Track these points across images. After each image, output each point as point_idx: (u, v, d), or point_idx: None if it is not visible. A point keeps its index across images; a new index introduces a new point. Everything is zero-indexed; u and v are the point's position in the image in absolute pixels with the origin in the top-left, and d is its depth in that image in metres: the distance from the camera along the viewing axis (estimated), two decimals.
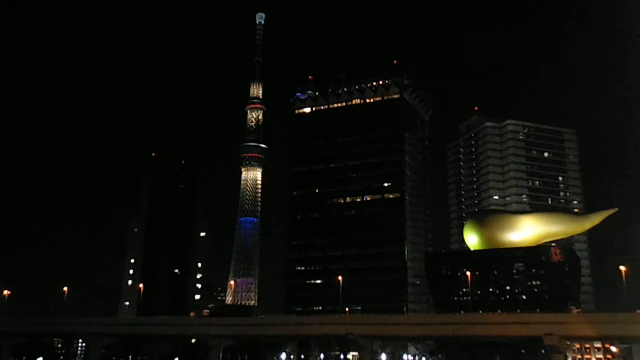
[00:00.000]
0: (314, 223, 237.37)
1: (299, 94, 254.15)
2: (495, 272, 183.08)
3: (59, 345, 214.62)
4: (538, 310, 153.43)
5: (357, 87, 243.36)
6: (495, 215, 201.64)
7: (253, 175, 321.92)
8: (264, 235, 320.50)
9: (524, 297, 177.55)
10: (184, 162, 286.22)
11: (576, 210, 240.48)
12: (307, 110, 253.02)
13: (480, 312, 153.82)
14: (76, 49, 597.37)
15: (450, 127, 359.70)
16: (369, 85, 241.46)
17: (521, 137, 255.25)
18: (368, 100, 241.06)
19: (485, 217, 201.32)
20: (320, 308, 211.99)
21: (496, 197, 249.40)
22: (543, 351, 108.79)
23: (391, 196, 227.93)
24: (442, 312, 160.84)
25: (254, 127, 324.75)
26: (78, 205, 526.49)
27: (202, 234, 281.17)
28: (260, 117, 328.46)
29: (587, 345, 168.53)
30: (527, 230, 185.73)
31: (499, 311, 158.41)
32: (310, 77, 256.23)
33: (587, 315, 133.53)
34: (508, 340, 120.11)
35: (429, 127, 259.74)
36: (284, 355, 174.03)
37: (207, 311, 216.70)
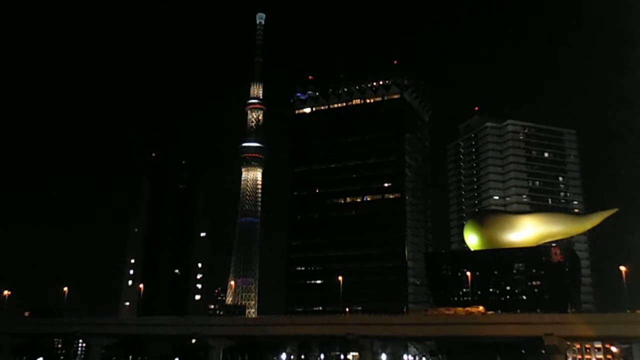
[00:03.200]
0: (314, 223, 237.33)
1: (299, 94, 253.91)
2: (495, 272, 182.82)
3: (59, 345, 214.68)
4: (538, 310, 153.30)
5: (357, 87, 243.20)
6: (495, 215, 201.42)
7: (253, 175, 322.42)
8: (264, 235, 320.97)
9: (524, 297, 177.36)
10: (184, 162, 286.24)
11: (576, 210, 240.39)
12: (307, 110, 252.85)
13: None
14: (76, 50, 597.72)
15: (450, 127, 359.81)
16: (369, 85, 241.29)
17: (521, 137, 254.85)
18: (368, 100, 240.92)
19: (485, 217, 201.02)
20: (320, 308, 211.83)
21: (496, 197, 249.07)
22: (543, 351, 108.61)
23: (391, 196, 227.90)
24: None
25: (254, 127, 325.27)
26: (78, 205, 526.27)
27: (202, 234, 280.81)
28: (260, 117, 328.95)
29: (587, 345, 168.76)
30: (527, 230, 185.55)
31: (499, 311, 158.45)
32: (310, 77, 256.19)
33: (587, 315, 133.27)
34: (508, 340, 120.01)
35: (429, 127, 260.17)
36: (284, 355, 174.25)
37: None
